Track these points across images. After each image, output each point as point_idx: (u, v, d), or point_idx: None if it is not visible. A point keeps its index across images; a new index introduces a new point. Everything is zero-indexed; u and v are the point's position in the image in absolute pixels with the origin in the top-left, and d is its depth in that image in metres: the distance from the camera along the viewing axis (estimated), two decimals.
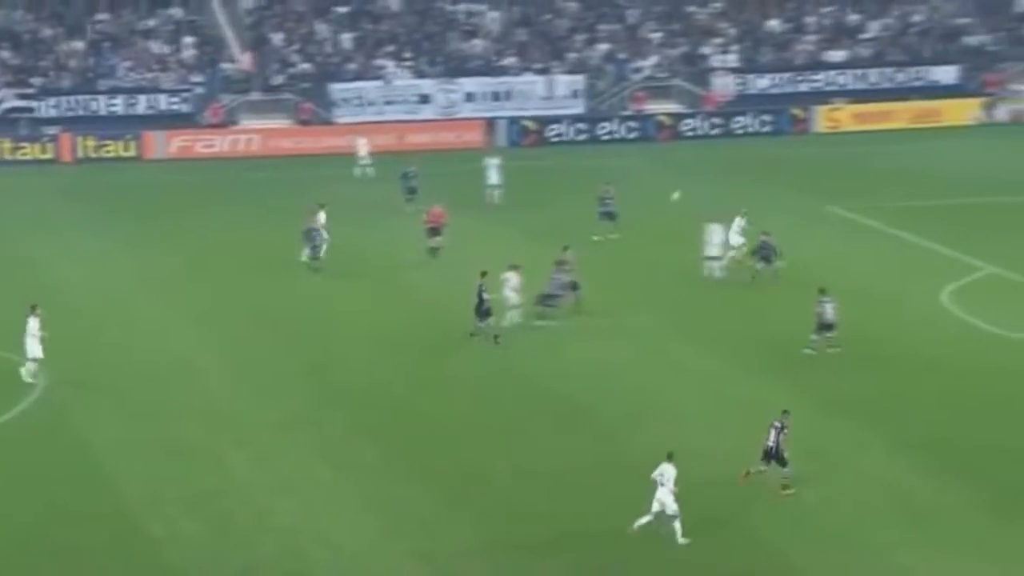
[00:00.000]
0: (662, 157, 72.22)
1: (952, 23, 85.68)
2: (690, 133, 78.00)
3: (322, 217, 51.70)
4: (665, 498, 30.48)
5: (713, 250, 48.62)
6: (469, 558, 30.27)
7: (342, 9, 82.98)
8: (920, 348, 42.52)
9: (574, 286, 44.73)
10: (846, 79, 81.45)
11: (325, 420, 37.56)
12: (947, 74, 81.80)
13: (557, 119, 77.63)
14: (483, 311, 42.60)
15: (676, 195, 53.01)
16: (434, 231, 51.68)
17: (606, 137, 77.37)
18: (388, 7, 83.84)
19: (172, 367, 41.45)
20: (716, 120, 78.66)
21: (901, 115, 79.04)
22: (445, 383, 40.30)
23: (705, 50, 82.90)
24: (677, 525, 30.47)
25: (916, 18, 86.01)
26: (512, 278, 43.57)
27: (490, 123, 76.73)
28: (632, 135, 77.59)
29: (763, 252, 48.24)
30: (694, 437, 35.80)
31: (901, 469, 33.67)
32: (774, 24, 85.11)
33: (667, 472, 30.66)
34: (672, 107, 79.66)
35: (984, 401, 37.75)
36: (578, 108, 78.82)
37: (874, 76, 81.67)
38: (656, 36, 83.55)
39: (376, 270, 50.98)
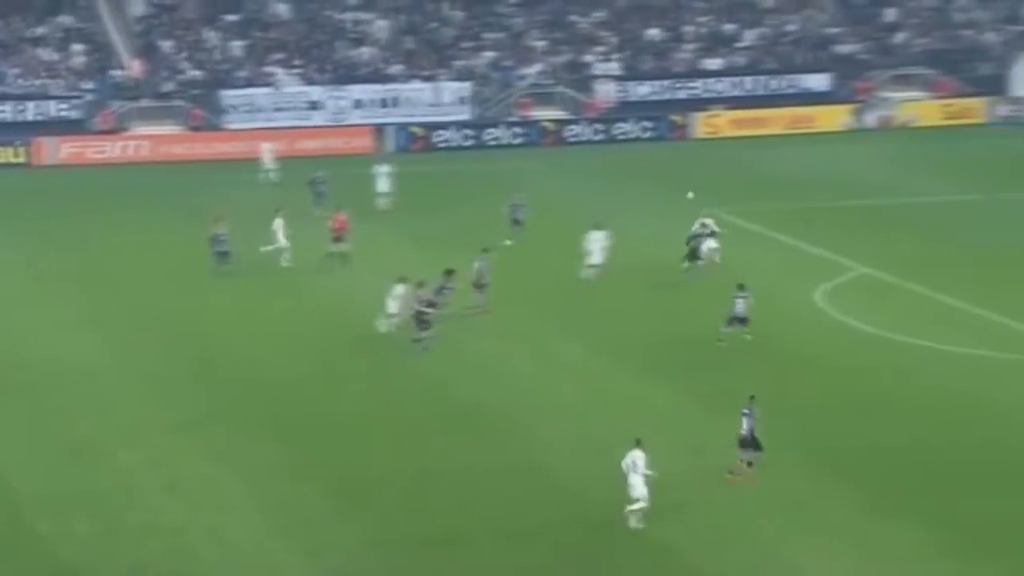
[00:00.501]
0: (548, 162, 72.29)
1: (823, 32, 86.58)
2: (574, 139, 78.17)
3: (279, 222, 50.95)
4: (636, 483, 30.64)
5: (594, 257, 48.50)
6: (360, 556, 30.06)
7: (231, 17, 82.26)
8: (796, 347, 42.85)
9: (432, 304, 42.96)
10: (723, 86, 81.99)
11: (219, 421, 37.14)
12: (819, 82, 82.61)
13: (444, 125, 77.45)
14: (422, 320, 41.88)
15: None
16: (338, 238, 51.46)
17: (493, 143, 77.32)
18: (277, 15, 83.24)
19: (66, 369, 40.82)
20: (599, 126, 78.89)
21: (776, 121, 79.73)
22: (342, 384, 40.00)
23: (588, 58, 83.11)
24: (640, 509, 30.65)
25: (789, 27, 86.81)
26: (399, 289, 43.16)
27: (379, 129, 76.39)
28: (518, 141, 77.61)
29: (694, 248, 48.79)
30: (589, 435, 35.88)
31: (782, 465, 33.83)
32: (654, 33, 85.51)
33: (638, 458, 30.85)
34: (556, 113, 79.78)
35: (857, 398, 38.09)
36: (465, 114, 78.69)
37: (750, 83, 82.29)
38: (540, 44, 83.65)
39: (277, 273, 50.44)
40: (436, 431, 36.48)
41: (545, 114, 79.40)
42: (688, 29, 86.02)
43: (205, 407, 38.17)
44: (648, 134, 78.78)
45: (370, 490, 33.00)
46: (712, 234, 50.06)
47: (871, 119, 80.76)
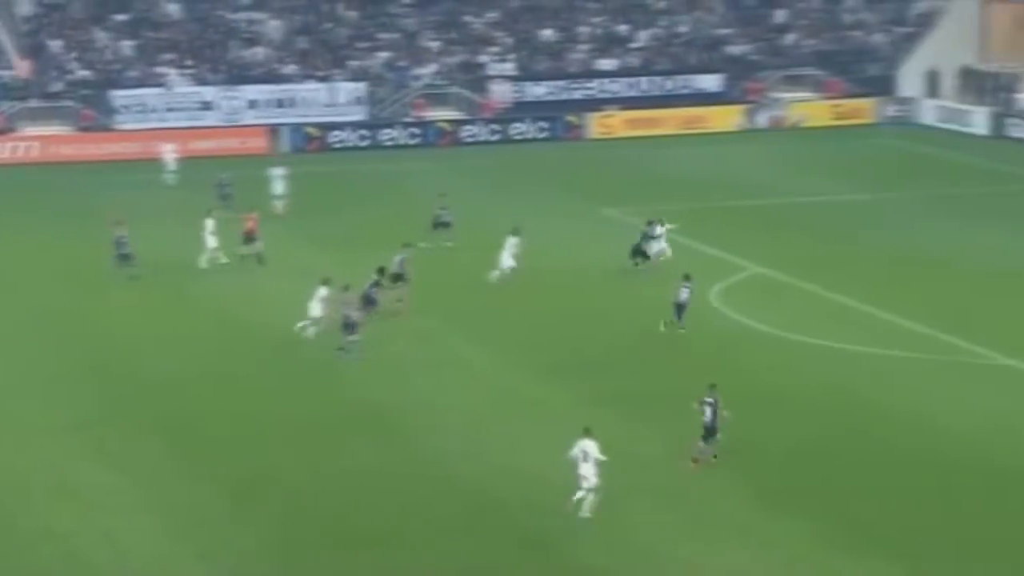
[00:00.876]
0: (444, 163, 72.21)
1: (715, 33, 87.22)
2: (470, 139, 78.15)
3: (210, 223, 50.38)
4: (588, 472, 30.83)
5: (507, 261, 48.32)
6: (255, 557, 29.80)
7: (121, 17, 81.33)
8: (691, 346, 43.09)
9: (371, 302, 43.60)
10: (617, 87, 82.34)
11: (112, 423, 36.69)
12: (711, 82, 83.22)
13: (340, 126, 77.13)
14: (348, 325, 41.33)
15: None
16: (249, 238, 51.04)
17: (389, 143, 77.09)
18: (168, 15, 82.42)
19: None
20: (495, 126, 78.92)
21: (669, 121, 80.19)
22: (238, 385, 39.64)
23: (482, 58, 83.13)
24: (591, 498, 30.82)
25: (682, 28, 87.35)
26: (323, 291, 42.83)
27: (273, 130, 75.91)
28: (414, 141, 77.44)
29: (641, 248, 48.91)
30: (488, 437, 35.94)
31: (676, 463, 33.93)
32: (548, 33, 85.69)
33: (589, 447, 31.05)
34: (452, 114, 79.73)
35: (751, 397, 38.30)
36: (360, 115, 78.41)
37: (644, 84, 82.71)
38: (435, 45, 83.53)
39: (180, 275, 49.86)
40: (336, 433, 36.28)
41: (441, 115, 79.32)
42: (582, 30, 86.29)
43: (97, 408, 37.68)
44: (544, 134, 78.95)
45: (266, 492, 32.73)
46: (658, 236, 49.97)
47: (763, 119, 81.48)
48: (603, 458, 31.09)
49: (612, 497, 32.16)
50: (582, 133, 79.46)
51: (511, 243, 48.47)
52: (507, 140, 78.25)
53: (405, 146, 76.77)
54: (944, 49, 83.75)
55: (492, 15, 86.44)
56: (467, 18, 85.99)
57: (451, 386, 39.67)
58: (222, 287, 48.60)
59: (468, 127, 78.65)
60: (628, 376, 40.34)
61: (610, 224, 58.02)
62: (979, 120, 78.49)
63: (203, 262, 50.28)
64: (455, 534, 30.75)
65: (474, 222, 55.62)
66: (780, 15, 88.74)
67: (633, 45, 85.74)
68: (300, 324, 42.74)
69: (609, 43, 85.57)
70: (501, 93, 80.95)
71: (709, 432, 34.00)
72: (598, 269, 50.21)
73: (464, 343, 43.10)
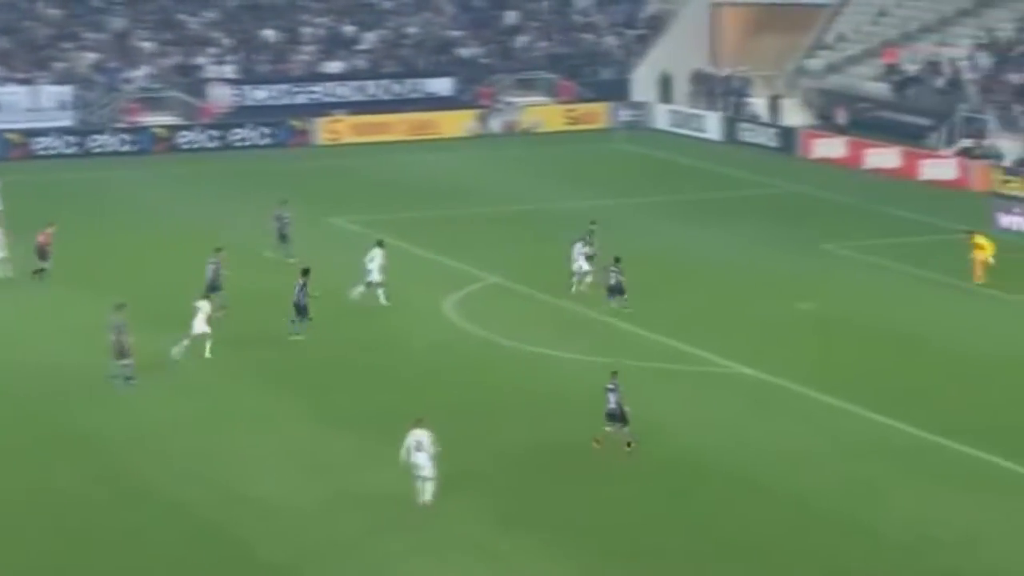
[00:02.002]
0: (160, 171, 71.40)
1: (445, 35, 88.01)
2: (188, 146, 77.39)
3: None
4: (423, 462, 31.97)
5: (374, 275, 47.91)
6: None
7: None
8: (424, 357, 43.50)
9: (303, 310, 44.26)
10: (345, 90, 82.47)
11: None
12: (442, 86, 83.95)
13: (45, 132, 75.59)
14: (121, 349, 40.37)
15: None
16: (43, 254, 49.96)
17: (99, 150, 75.84)
18: None
19: None
20: (214, 132, 78.32)
21: (399, 126, 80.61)
22: None
23: (200, 60, 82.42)
24: (430, 487, 32.20)
25: (410, 30, 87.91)
26: (205, 306, 42.61)
27: None
28: (127, 148, 76.32)
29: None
30: (209, 455, 35.88)
31: (404, 480, 34.25)
32: (270, 34, 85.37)
33: (422, 437, 32.13)
34: (168, 119, 78.82)
35: (485, 408, 38.93)
36: (67, 120, 76.96)
37: (372, 87, 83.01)
38: (148, 45, 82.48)
39: None
40: (45, 457, 35.67)
41: (155, 120, 78.40)
42: (306, 31, 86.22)
43: None
44: (267, 140, 78.65)
45: None
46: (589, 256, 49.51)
47: (496, 124, 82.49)
48: (437, 449, 32.23)
49: (341, 517, 32.37)
50: (308, 139, 79.38)
51: (374, 255, 47.81)
52: (228, 146, 77.73)
53: (117, 153, 75.64)
54: (676, 53, 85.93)
55: (210, 14, 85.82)
56: (183, 17, 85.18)
57: (171, 405, 39.40)
58: None
59: (185, 133, 77.90)
60: (355, 391, 40.58)
61: (336, 232, 58.11)
62: (712, 125, 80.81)
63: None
64: (180, 567, 30.61)
65: (193, 232, 55.20)
66: (511, 17, 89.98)
67: (360, 47, 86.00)
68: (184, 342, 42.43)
69: (335, 45, 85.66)
70: (220, 97, 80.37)
71: (612, 417, 35.51)
72: (325, 277, 50.19)
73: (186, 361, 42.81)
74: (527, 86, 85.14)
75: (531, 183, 69.44)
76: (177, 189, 66.78)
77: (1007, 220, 58.09)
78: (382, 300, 47.41)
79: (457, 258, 54.12)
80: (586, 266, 49.28)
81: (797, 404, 40.11)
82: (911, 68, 77.55)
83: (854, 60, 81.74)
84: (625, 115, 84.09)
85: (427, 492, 32.55)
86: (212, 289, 45.73)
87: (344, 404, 39.72)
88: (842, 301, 49.63)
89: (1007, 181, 65.46)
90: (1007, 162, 67.34)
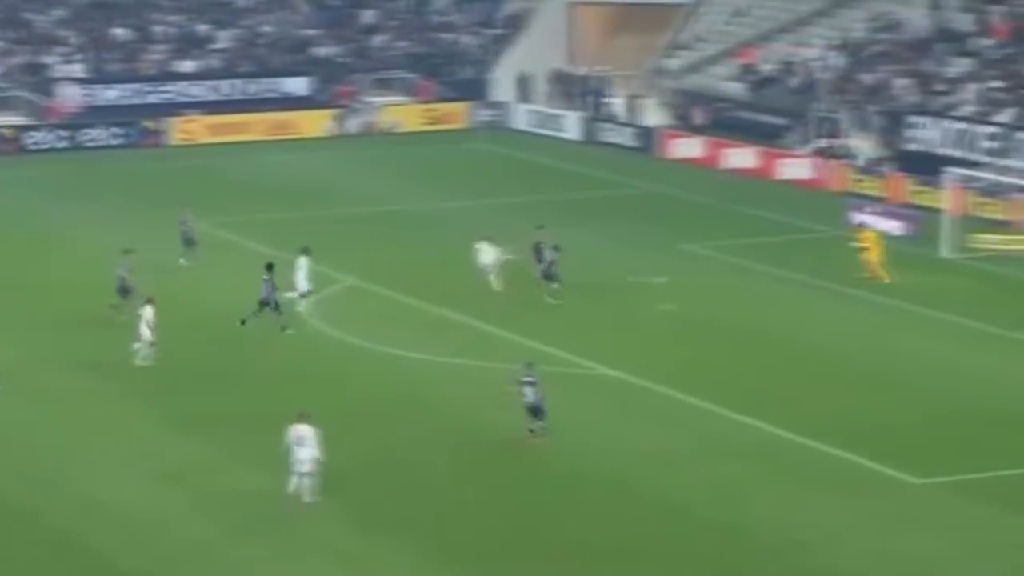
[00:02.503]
0: (5, 172, 70.03)
1: (301, 34, 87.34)
2: (35, 146, 76.05)
3: None
4: (305, 456, 31.86)
5: (301, 285, 47.07)
6: None
7: None
8: (281, 361, 43.07)
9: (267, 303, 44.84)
10: (199, 90, 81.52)
11: None
12: (298, 85, 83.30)
13: None
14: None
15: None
16: None
17: None
18: None
19: None
20: (63, 132, 77.03)
21: (256, 127, 79.81)
22: None
23: (48, 59, 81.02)
24: (308, 482, 32.24)
25: (266, 28, 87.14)
26: (148, 312, 42.06)
27: None
28: None
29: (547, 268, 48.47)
30: (53, 461, 35.21)
31: (263, 485, 33.79)
32: (121, 33, 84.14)
33: (305, 432, 32.02)
34: (14, 119, 77.38)
35: (342, 411, 38.49)
36: None
37: (227, 87, 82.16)
38: None
39: None
40: None
41: (2, 120, 76.90)
42: (158, 29, 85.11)
43: None
44: (119, 141, 77.50)
45: None
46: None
47: (354, 125, 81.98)
48: (317, 450, 32.15)
49: (193, 524, 31.92)
50: (161, 139, 78.30)
51: (301, 264, 46.99)
52: (78, 147, 76.47)
53: None
54: (534, 52, 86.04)
55: (58, 12, 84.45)
56: (29, 15, 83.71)
57: (14, 409, 38.62)
58: None
59: (33, 133, 76.55)
60: (214, 395, 40.05)
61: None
62: (571, 124, 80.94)
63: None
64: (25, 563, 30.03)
65: (45, 235, 54.26)
66: (368, 16, 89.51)
67: (214, 46, 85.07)
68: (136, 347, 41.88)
69: (188, 44, 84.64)
70: (70, 97, 79.05)
71: (533, 411, 35.65)
72: (179, 282, 49.61)
73: (40, 369, 42.00)
74: (385, 86, 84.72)
75: (390, 184, 69.10)
76: (21, 191, 65.68)
77: (860, 219, 58.75)
78: (300, 308, 46.83)
79: (315, 260, 53.57)
80: (490, 262, 49.29)
81: (661, 405, 40.19)
82: (767, 68, 78.30)
83: (711, 60, 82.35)
84: (484, 115, 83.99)
85: (307, 491, 32.35)
86: (122, 292, 45.15)
87: (199, 408, 39.26)
88: (703, 301, 49.85)
89: (860, 180, 66.24)
90: (860, 162, 68.17)
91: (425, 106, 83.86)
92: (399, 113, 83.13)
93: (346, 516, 32.72)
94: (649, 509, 33.51)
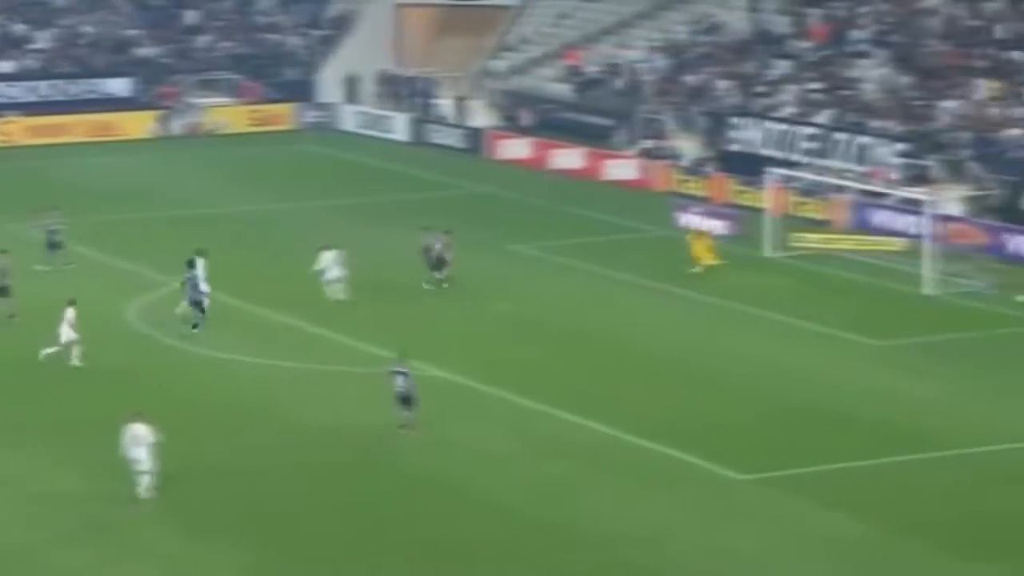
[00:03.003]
0: None
1: (122, 35, 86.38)
2: None
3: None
4: (141, 455, 32.15)
5: (203, 286, 46.30)
6: None
7: None
8: (110, 366, 42.69)
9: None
10: (17, 91, 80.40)
11: None
12: (120, 86, 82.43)
13: None
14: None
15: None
16: None
17: None
18: None
19: None
20: None
21: (77, 128, 78.80)
22: None
23: None
24: (147, 480, 32.69)
25: (86, 29, 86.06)
26: (70, 313, 41.77)
27: None
28: None
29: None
30: None
31: (97, 490, 33.53)
32: None
33: (139, 430, 32.43)
34: None
35: (174, 415, 38.19)
36: None
37: (46, 88, 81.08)
38: None
39: None
40: None
41: None
42: None
43: None
44: None
45: None
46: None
47: (177, 126, 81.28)
48: (157, 441, 32.51)
49: (34, 533, 31.55)
50: None
51: (199, 265, 46.48)
52: None
53: None
54: (361, 53, 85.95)
55: None
56: None
57: None
58: None
59: None
60: (39, 402, 39.63)
61: (11, 238, 56.50)
62: (399, 126, 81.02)
63: None
64: None
65: None
66: (191, 16, 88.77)
67: (32, 46, 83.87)
68: (47, 351, 41.66)
69: (5, 44, 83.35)
70: None
71: (404, 401, 35.93)
72: (43, 296, 48.97)
73: None
74: (210, 87, 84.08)
75: (215, 185, 68.68)
76: None
77: (685, 219, 59.64)
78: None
79: (139, 263, 53.18)
80: (338, 272, 48.93)
81: (489, 405, 40.50)
82: (592, 70, 79.08)
83: (537, 62, 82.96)
84: (311, 116, 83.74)
85: (143, 487, 32.53)
86: (2, 291, 45.08)
87: (24, 415, 38.73)
88: (532, 302, 50.28)
89: (685, 181, 67.20)
90: (685, 162, 69.15)
91: (251, 107, 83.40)
92: (224, 114, 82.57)
93: (173, 521, 32.56)
94: (478, 508, 33.77)
